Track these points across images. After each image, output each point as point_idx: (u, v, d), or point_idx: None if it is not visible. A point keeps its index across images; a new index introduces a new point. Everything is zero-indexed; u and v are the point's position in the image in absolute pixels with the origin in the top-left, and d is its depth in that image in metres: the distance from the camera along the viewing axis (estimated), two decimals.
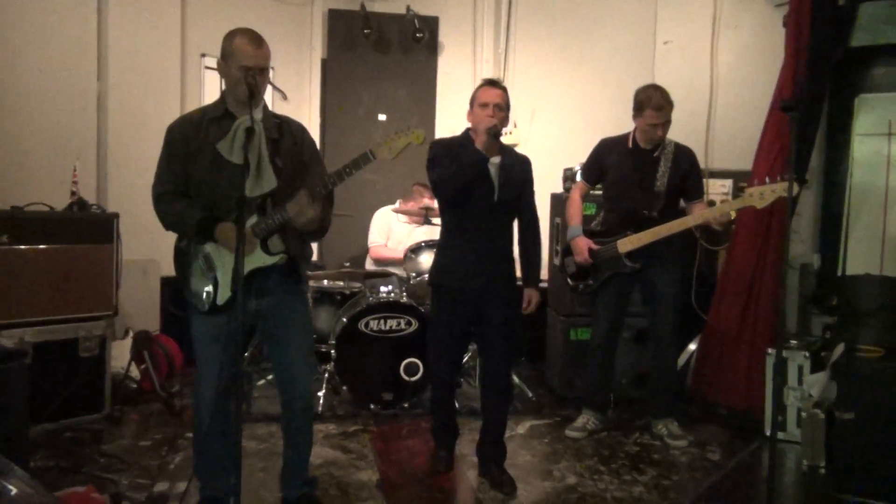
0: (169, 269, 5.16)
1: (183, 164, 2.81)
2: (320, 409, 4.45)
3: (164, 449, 3.86)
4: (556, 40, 5.94)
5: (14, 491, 2.27)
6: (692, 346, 4.83)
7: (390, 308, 4.57)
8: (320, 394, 4.52)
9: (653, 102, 3.91)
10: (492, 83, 3.46)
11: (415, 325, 4.58)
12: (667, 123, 3.97)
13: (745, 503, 3.57)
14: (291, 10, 6.21)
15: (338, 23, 6.28)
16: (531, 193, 3.60)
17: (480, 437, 3.65)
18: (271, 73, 6.05)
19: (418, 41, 6.17)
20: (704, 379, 4.64)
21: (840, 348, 3.89)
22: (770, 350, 4.24)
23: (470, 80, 6.27)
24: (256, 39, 2.84)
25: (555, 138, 5.81)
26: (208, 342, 2.89)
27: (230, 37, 2.85)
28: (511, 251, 3.54)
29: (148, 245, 4.97)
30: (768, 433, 4.23)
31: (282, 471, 3.16)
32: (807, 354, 4.15)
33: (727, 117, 5.10)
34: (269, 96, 6.05)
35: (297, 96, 6.26)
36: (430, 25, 6.28)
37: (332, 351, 4.49)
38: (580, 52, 5.80)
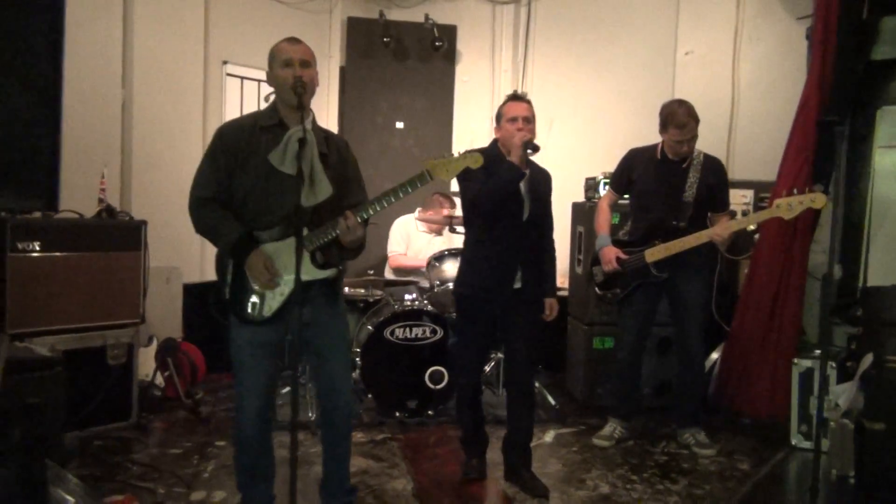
0: (190, 276, 5.30)
1: (228, 171, 2.79)
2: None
3: (196, 457, 3.87)
4: (575, 50, 5.97)
5: (71, 500, 2.27)
6: (714, 356, 4.85)
7: (416, 316, 4.58)
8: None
9: (676, 120, 3.95)
10: (517, 97, 3.52)
11: (440, 333, 4.60)
12: (693, 139, 4.01)
13: None
14: (311, 18, 6.23)
15: (357, 30, 6.30)
16: (550, 205, 3.67)
17: (506, 443, 3.67)
18: None
19: (437, 49, 6.20)
20: (728, 388, 4.66)
21: (868, 359, 3.91)
22: (796, 360, 4.28)
23: (488, 89, 6.31)
24: (293, 39, 2.88)
25: (574, 148, 5.83)
26: (251, 352, 2.87)
27: (272, 48, 2.87)
28: (537, 263, 3.56)
29: (170, 252, 4.98)
30: (794, 442, 4.27)
31: (322, 481, 3.15)
32: (833, 365, 4.18)
33: (748, 128, 5.14)
34: None
35: (315, 103, 6.11)
36: (449, 34, 6.31)
37: (358, 359, 4.49)
38: (599, 62, 5.84)
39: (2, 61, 1.72)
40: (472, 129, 6.35)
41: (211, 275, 5.38)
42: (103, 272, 4.15)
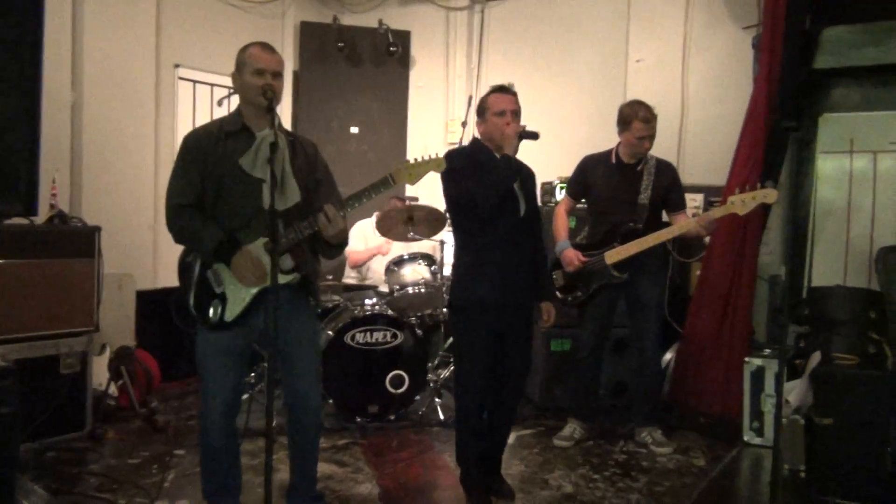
0: (143, 283, 5.20)
1: (200, 177, 2.79)
2: None
3: (155, 467, 3.79)
4: (528, 56, 6.05)
5: None
6: (668, 356, 4.97)
7: (376, 320, 4.58)
8: None
9: (640, 115, 4.05)
10: (503, 89, 3.35)
11: (400, 337, 4.61)
12: (653, 136, 4.11)
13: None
14: (264, 22, 6.18)
15: (310, 35, 6.28)
16: (537, 203, 3.59)
17: (481, 452, 3.62)
18: None
19: (392, 55, 6.22)
20: (682, 387, 4.78)
21: (816, 356, 4.06)
22: (747, 359, 4.41)
23: (443, 94, 6.35)
24: (269, 47, 2.89)
25: (528, 153, 5.85)
26: (215, 357, 2.86)
27: (242, 50, 2.88)
28: (535, 265, 3.47)
29: (122, 258, 4.88)
30: (746, 438, 4.40)
31: (288, 488, 3.14)
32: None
33: (697, 134, 5.28)
34: None
35: None
36: (403, 39, 6.33)
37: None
38: (553, 69, 5.92)
39: None
40: (426, 134, 6.38)
41: (164, 281, 5.40)
42: (56, 279, 4.05)
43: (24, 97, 1.72)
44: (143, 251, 5.20)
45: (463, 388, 3.43)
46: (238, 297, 2.78)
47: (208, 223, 2.79)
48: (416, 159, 2.86)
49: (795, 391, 4.18)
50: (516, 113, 3.29)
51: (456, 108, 6.28)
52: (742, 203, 3.78)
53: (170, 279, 5.41)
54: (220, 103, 5.81)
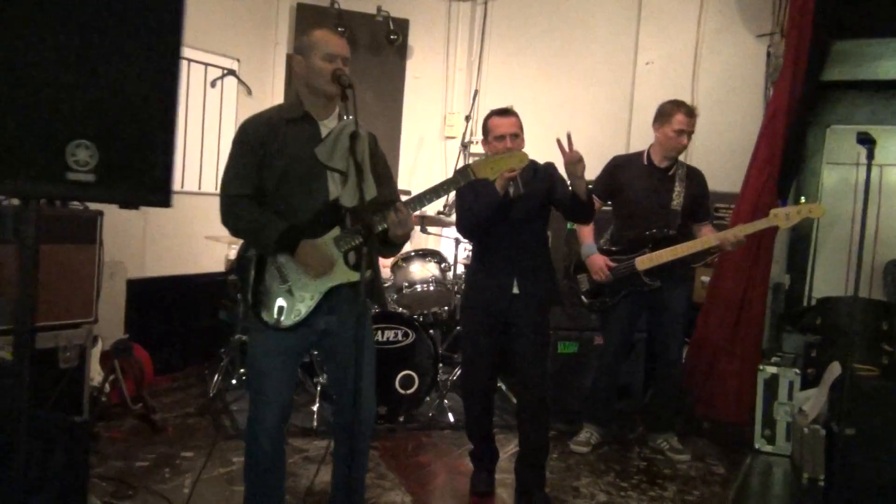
0: (134, 272, 4.90)
1: (258, 166, 2.60)
2: (315, 424, 4.24)
3: (167, 470, 3.58)
4: (532, 52, 5.94)
5: None
6: None
7: (387, 319, 4.42)
8: (314, 408, 4.31)
9: (683, 108, 4.00)
10: (503, 113, 3.40)
11: (411, 336, 4.46)
12: (691, 133, 4.07)
13: None
14: (258, 2, 5.91)
15: (307, 18, 6.03)
16: (546, 204, 3.48)
17: (519, 461, 3.52)
18: (235, 66, 5.78)
19: (391, 43, 6.03)
20: (691, 393, 4.77)
21: (836, 367, 4.10)
22: (761, 367, 4.43)
23: (441, 86, 6.20)
24: (336, 31, 2.70)
25: (528, 152, 5.79)
26: (274, 359, 2.67)
27: (308, 33, 2.68)
28: (545, 262, 3.46)
29: (112, 245, 4.56)
30: (757, 446, 4.42)
31: (333, 497, 2.96)
32: (797, 372, 4.35)
33: (706, 140, 5.26)
34: (233, 90, 5.76)
35: (261, 92, 5.96)
36: (401, 28, 6.15)
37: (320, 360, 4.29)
38: (557, 66, 5.84)
39: (126, 30, 1.47)
40: (422, 127, 6.22)
41: (154, 270, 5.12)
42: (55, 267, 3.74)
43: (163, 75, 1.51)
44: (133, 238, 4.91)
45: (467, 376, 3.61)
46: (305, 295, 2.60)
47: (268, 214, 2.60)
48: (498, 153, 2.73)
49: (812, 401, 4.21)
50: (515, 136, 3.32)
51: (455, 101, 6.14)
52: (786, 217, 3.76)
53: (160, 267, 5.22)
54: (213, 84, 5.53)
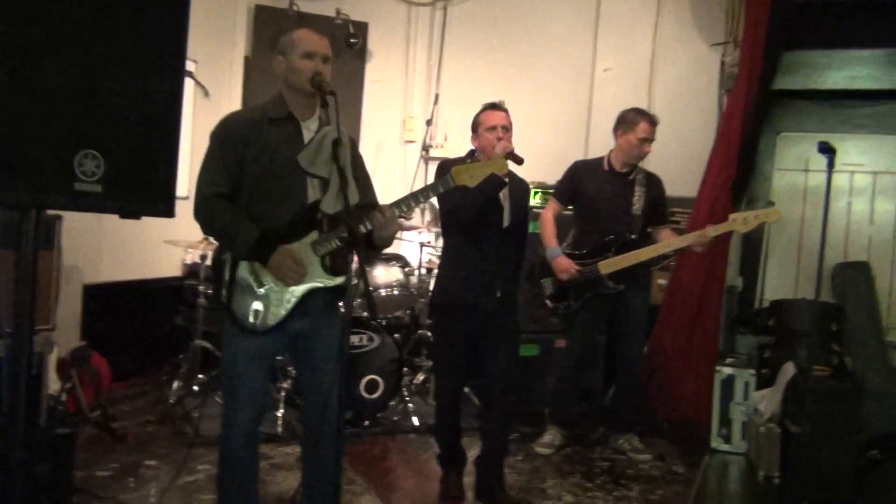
0: (91, 276, 4.79)
1: (237, 165, 2.56)
2: (280, 429, 4.20)
3: (131, 480, 3.51)
4: (491, 58, 5.99)
5: None
6: None
7: (353, 323, 4.41)
8: (279, 413, 4.28)
9: (647, 117, 4.10)
10: (494, 106, 3.46)
11: (375, 340, 4.46)
12: (652, 142, 4.17)
13: None
14: (216, 3, 5.83)
15: (265, 20, 5.98)
16: (528, 217, 3.65)
17: (480, 460, 3.57)
18: (193, 67, 5.68)
19: (351, 46, 6.02)
20: (649, 393, 4.87)
21: (789, 367, 4.23)
22: (718, 367, 4.55)
23: (401, 90, 6.20)
24: (318, 30, 2.68)
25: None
26: (249, 363, 2.63)
27: (287, 32, 2.67)
28: (516, 273, 3.54)
29: (69, 250, 4.47)
30: (714, 445, 4.53)
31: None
32: (752, 372, 4.48)
33: (662, 146, 5.33)
34: (190, 92, 5.66)
35: (218, 93, 5.88)
36: (361, 31, 6.14)
37: (292, 367, 4.26)
38: (516, 71, 5.88)
39: (132, 40, 1.45)
40: (382, 130, 6.22)
41: (111, 275, 5.00)
42: (12, 273, 3.64)
43: (168, 83, 1.50)
44: (90, 242, 4.79)
45: (440, 378, 3.66)
46: (282, 299, 2.58)
47: (244, 217, 2.56)
48: (477, 160, 2.76)
49: (766, 400, 4.35)
50: (506, 129, 3.37)
51: (415, 104, 6.15)
52: (744, 221, 3.88)
53: (117, 272, 5.10)
54: None
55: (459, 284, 3.41)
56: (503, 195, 3.38)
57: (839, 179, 5.15)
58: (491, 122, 3.37)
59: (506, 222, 3.40)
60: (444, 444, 3.61)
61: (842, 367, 4.48)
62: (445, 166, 3.33)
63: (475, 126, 3.46)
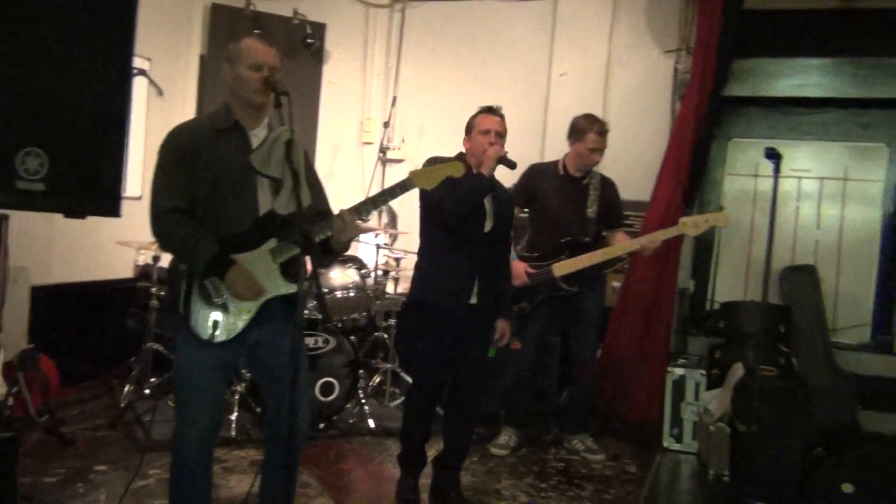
0: (38, 278, 4.69)
1: (189, 177, 2.53)
2: (234, 433, 4.16)
3: (80, 485, 3.44)
4: (449, 61, 6.00)
5: None
6: None
7: (308, 326, 4.39)
8: (232, 417, 4.23)
9: (596, 128, 4.15)
10: (491, 110, 3.44)
11: (331, 342, 4.44)
12: (603, 150, 4.22)
13: None
14: (170, 2, 5.75)
15: (221, 19, 5.92)
16: (511, 226, 3.67)
17: (439, 461, 3.58)
18: (146, 65, 5.60)
19: (308, 47, 5.98)
20: (603, 395, 4.93)
21: (738, 368, 4.32)
22: (670, 368, 4.63)
23: (359, 90, 6.19)
24: (266, 40, 2.67)
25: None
26: (204, 374, 2.60)
27: (236, 41, 2.66)
28: (494, 281, 3.49)
29: (17, 250, 4.37)
30: (666, 444, 4.61)
31: None
32: (703, 373, 4.57)
33: (617, 150, 5.41)
34: (143, 91, 5.58)
35: (173, 93, 5.80)
36: (318, 32, 6.11)
37: (246, 370, 4.22)
38: (473, 76, 5.91)
39: (77, 44, 1.43)
40: (339, 132, 6.20)
41: (60, 276, 4.90)
42: None
43: (115, 83, 1.48)
44: (37, 242, 4.69)
45: (418, 379, 3.56)
46: (241, 309, 2.55)
47: (201, 233, 2.52)
48: (434, 164, 2.76)
49: (716, 400, 4.43)
50: (500, 134, 3.37)
51: (373, 107, 6.14)
52: (694, 225, 3.96)
53: (66, 274, 5.00)
54: None
55: (436, 285, 3.37)
56: (487, 202, 3.37)
57: (787, 185, 5.28)
58: (485, 126, 3.36)
59: (487, 227, 3.39)
60: (408, 448, 3.56)
61: (789, 367, 4.59)
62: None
63: (469, 128, 3.45)
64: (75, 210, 1.50)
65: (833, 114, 5.25)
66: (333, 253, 2.69)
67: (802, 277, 5.10)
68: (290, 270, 2.60)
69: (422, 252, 3.51)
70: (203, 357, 2.58)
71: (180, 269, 2.57)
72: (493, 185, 3.31)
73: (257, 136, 2.63)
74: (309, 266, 2.44)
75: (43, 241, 4.76)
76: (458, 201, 3.23)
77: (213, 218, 2.56)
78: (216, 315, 2.55)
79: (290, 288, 2.60)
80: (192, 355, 2.59)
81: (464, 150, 3.46)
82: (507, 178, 3.96)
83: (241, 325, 2.56)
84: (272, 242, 2.57)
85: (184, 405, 2.64)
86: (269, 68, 2.59)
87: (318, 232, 2.54)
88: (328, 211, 2.67)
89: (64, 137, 1.40)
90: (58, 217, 4.98)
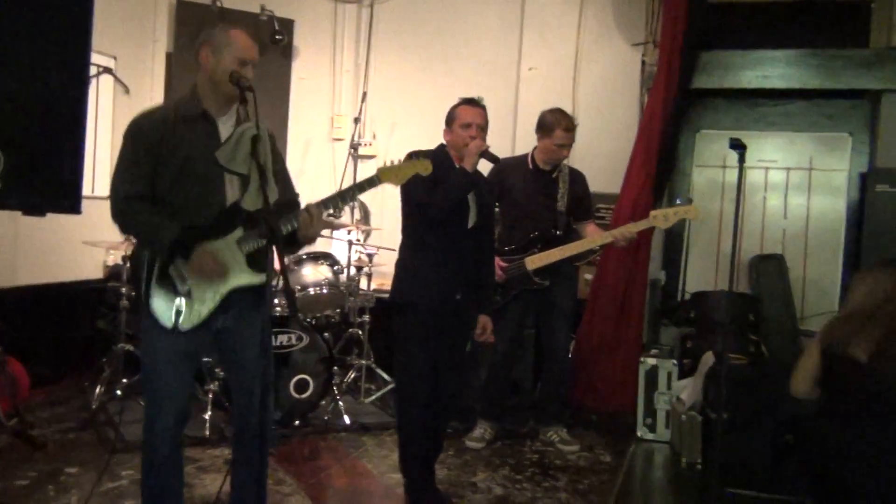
0: (5, 280, 4.62)
1: (152, 165, 2.51)
2: (207, 432, 4.13)
3: (51, 488, 3.40)
4: (418, 56, 6.00)
5: None
6: None
7: (281, 323, 4.37)
8: (206, 416, 4.20)
9: (563, 124, 4.16)
10: (471, 102, 3.39)
11: (305, 339, 4.43)
12: (571, 145, 4.25)
13: (648, 497, 3.97)
14: None
15: (187, 16, 5.86)
16: (493, 218, 3.66)
17: None
18: (112, 63, 5.53)
19: (276, 43, 5.94)
20: (578, 386, 4.96)
21: (709, 357, 4.38)
22: (643, 359, 4.67)
23: (328, 88, 6.17)
24: (252, 35, 2.67)
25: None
26: (169, 363, 2.59)
27: (223, 28, 2.63)
28: (477, 276, 3.45)
29: None
30: (640, 434, 4.65)
31: None
32: (675, 363, 4.62)
33: (586, 143, 5.47)
34: (109, 89, 5.52)
35: (139, 91, 5.73)
36: (287, 28, 6.07)
37: (219, 369, 4.19)
38: (443, 71, 5.91)
39: (35, 41, 1.41)
40: (309, 128, 6.17)
41: (25, 278, 4.83)
42: None
43: (72, 81, 1.46)
44: (1, 243, 4.62)
45: (409, 382, 3.37)
46: (205, 297, 2.54)
47: (163, 216, 2.52)
48: (403, 161, 2.76)
49: (688, 389, 4.48)
50: (482, 127, 3.32)
51: (343, 103, 6.12)
52: (664, 218, 4.00)
53: (33, 275, 4.93)
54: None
55: (421, 283, 3.30)
56: (470, 195, 3.34)
57: (754, 175, 5.35)
58: (466, 119, 3.31)
59: (471, 222, 3.37)
60: (412, 470, 3.41)
61: (759, 355, 4.66)
62: (431, 156, 3.11)
63: (449, 120, 3.40)
64: (34, 207, 1.48)
65: (798, 104, 5.34)
66: (297, 245, 2.69)
67: (771, 266, 5.18)
68: (256, 261, 2.60)
69: (404, 248, 3.44)
70: (167, 345, 2.57)
71: (143, 256, 2.55)
72: (477, 180, 3.30)
73: (225, 124, 2.62)
74: (276, 259, 2.43)
75: (7, 242, 4.70)
76: (442, 199, 3.20)
77: (178, 206, 2.54)
78: (179, 302, 2.53)
79: (256, 278, 2.59)
80: (157, 343, 2.58)
81: (444, 142, 3.42)
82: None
83: (205, 312, 2.55)
84: (238, 232, 2.56)
85: (151, 394, 2.64)
86: (252, 66, 2.59)
87: (285, 223, 2.54)
88: (295, 202, 2.66)
89: (20, 136, 1.38)
90: (23, 218, 4.93)
